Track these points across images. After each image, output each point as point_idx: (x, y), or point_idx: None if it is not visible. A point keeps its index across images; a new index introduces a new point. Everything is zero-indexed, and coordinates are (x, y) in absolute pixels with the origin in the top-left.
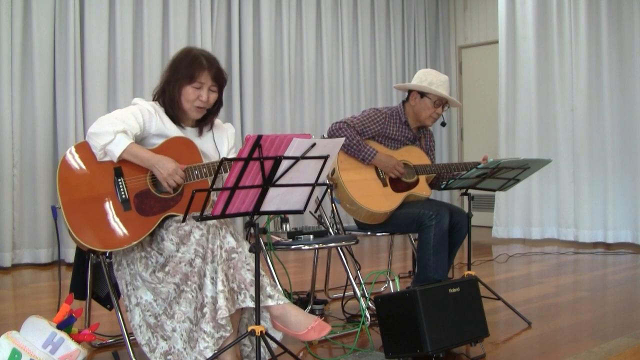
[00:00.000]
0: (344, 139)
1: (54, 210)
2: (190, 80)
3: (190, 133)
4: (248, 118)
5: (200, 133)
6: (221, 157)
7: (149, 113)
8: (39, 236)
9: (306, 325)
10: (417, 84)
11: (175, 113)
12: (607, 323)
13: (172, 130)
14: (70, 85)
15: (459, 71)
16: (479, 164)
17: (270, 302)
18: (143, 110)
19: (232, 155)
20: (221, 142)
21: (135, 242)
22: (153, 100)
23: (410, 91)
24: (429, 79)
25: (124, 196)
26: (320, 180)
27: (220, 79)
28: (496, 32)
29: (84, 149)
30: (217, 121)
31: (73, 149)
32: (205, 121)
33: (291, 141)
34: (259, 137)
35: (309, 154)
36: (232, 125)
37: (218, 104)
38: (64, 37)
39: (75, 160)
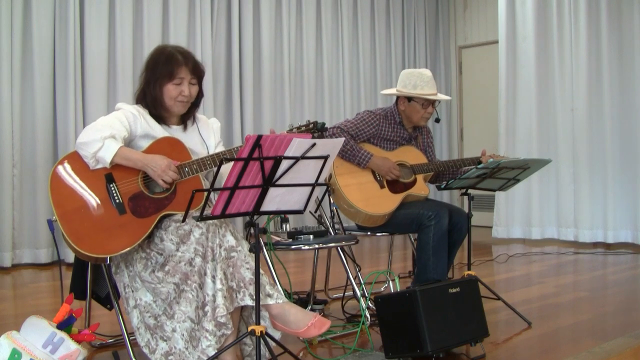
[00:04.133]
0: (343, 138)
1: (50, 223)
2: (170, 78)
3: (175, 130)
4: (248, 118)
5: (185, 128)
6: (209, 151)
7: (133, 116)
8: (39, 236)
9: (306, 322)
10: (401, 90)
11: (159, 112)
12: (607, 323)
13: (158, 130)
14: (70, 85)
15: (459, 71)
16: (477, 159)
17: (269, 301)
18: (127, 113)
19: (219, 149)
20: (207, 136)
21: (134, 245)
22: (136, 103)
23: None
24: (412, 81)
25: (117, 201)
26: (320, 181)
27: (198, 72)
28: (496, 32)
29: (73, 160)
30: (202, 117)
31: (62, 161)
32: (188, 115)
33: (291, 141)
34: (259, 137)
35: (309, 154)
36: (217, 120)
37: (199, 96)
38: (64, 37)
39: (65, 172)
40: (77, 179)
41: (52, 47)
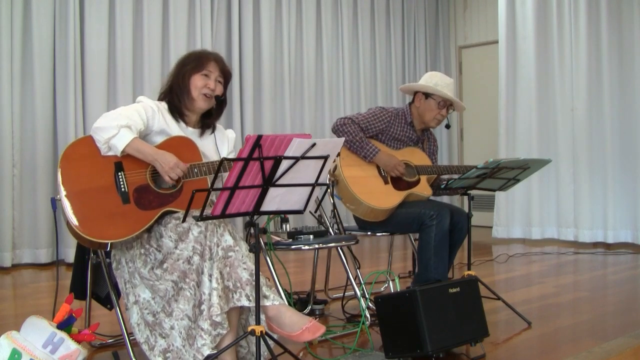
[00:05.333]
0: (343, 139)
1: (53, 202)
2: (199, 69)
3: (191, 134)
4: (248, 118)
5: (202, 134)
6: (221, 157)
7: (152, 110)
8: (39, 236)
9: (300, 325)
10: (423, 85)
11: (183, 104)
12: (607, 323)
13: (174, 129)
14: (70, 85)
15: (459, 71)
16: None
17: (265, 302)
18: (146, 107)
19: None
20: (222, 144)
21: (132, 235)
22: (159, 100)
23: (415, 92)
24: (434, 80)
25: (123, 189)
26: (320, 181)
27: (226, 72)
28: (496, 32)
29: (86, 143)
30: (220, 126)
31: (75, 143)
32: (208, 119)
33: (291, 141)
34: (259, 137)
35: (309, 154)
36: (234, 131)
37: (223, 103)
38: (64, 37)
39: (76, 154)
40: (87, 162)
41: (52, 47)
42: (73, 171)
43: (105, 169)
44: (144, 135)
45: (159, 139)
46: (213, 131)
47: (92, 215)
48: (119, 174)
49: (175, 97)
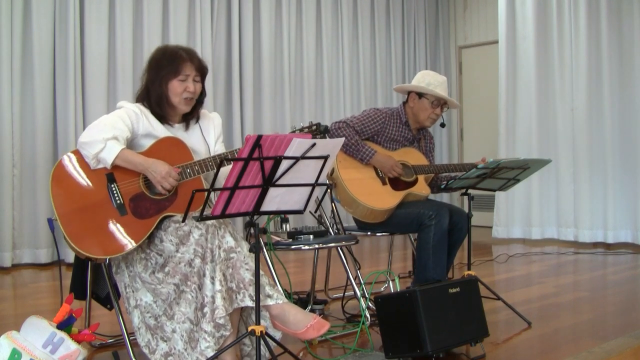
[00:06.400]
0: (344, 138)
1: (51, 222)
2: (175, 74)
3: (177, 129)
4: (248, 118)
5: (187, 127)
6: (209, 148)
7: (135, 114)
8: (39, 236)
9: (305, 323)
10: (415, 85)
11: (162, 111)
12: (607, 323)
13: (159, 129)
14: (70, 85)
15: (459, 71)
16: (476, 165)
17: (269, 302)
18: (129, 112)
19: (219, 146)
20: (208, 132)
21: (135, 246)
22: (137, 102)
23: (409, 92)
24: (427, 79)
25: (118, 201)
26: (320, 180)
27: (202, 69)
28: (496, 32)
29: (74, 159)
30: (204, 111)
31: (64, 159)
32: (191, 114)
33: (291, 141)
34: (259, 137)
35: (309, 154)
36: (219, 115)
37: (202, 94)
38: (64, 37)
39: (67, 171)
40: (78, 178)
41: (52, 47)
42: (65, 190)
43: (97, 182)
44: (130, 140)
45: (147, 142)
46: (197, 120)
47: (91, 233)
48: (112, 185)
49: (154, 104)
